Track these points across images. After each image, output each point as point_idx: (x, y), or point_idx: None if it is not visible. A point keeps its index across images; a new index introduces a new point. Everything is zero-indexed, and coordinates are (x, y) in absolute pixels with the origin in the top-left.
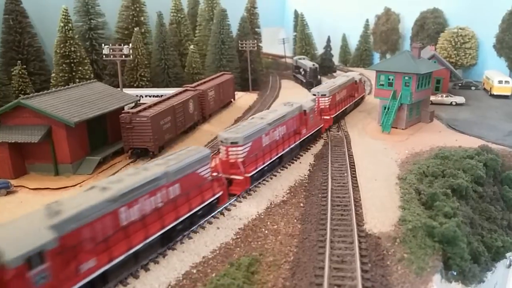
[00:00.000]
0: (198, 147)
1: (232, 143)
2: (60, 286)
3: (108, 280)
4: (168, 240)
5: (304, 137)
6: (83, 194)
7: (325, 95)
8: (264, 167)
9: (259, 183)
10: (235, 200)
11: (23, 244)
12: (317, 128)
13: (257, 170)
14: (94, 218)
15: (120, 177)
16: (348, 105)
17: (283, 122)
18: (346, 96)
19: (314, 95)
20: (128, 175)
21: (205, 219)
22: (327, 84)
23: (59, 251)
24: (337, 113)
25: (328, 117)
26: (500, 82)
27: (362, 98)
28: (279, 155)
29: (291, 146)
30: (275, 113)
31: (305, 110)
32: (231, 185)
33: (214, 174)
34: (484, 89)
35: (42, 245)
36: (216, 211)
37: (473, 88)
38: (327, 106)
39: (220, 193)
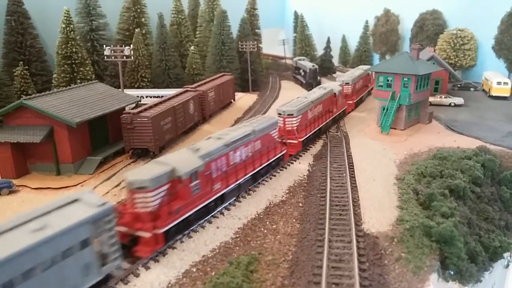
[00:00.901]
0: (270, 116)
1: (288, 114)
2: (203, 197)
3: (224, 201)
4: (254, 180)
5: (334, 115)
6: (206, 141)
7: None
8: (310, 135)
9: (259, 183)
10: (292, 158)
11: (188, 166)
12: (343, 109)
13: (306, 136)
14: (217, 156)
15: (226, 132)
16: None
17: (320, 101)
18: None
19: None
20: (230, 131)
21: (272, 171)
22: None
23: (203, 173)
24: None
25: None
26: (498, 83)
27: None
28: (319, 127)
29: (326, 121)
30: (315, 94)
31: (335, 93)
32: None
33: (280, 138)
34: (483, 90)
35: (197, 167)
36: (281, 166)
37: (472, 89)
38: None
39: (284, 151)
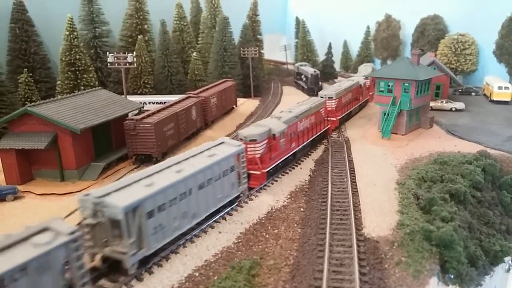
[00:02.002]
0: (319, 98)
1: (329, 97)
2: (286, 151)
3: (295, 157)
4: (312, 146)
5: (360, 103)
6: (280, 113)
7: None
8: (344, 116)
9: (260, 188)
10: (335, 131)
11: (278, 127)
12: (365, 99)
13: (341, 116)
14: (292, 123)
15: (292, 108)
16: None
17: (350, 90)
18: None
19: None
20: (295, 107)
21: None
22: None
23: (286, 134)
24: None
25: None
26: (500, 88)
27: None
28: (350, 110)
29: (354, 107)
30: (346, 84)
31: (360, 84)
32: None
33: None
34: (484, 95)
35: (284, 129)
36: (326, 138)
37: (473, 94)
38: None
39: (328, 126)
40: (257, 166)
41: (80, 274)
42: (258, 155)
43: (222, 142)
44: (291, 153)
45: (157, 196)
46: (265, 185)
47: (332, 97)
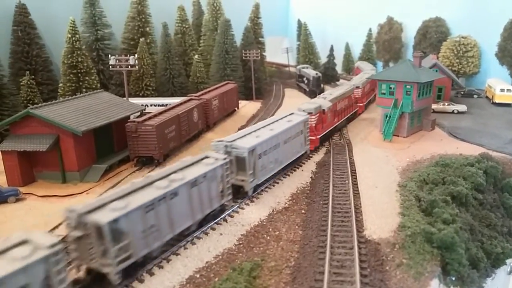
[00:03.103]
0: (350, 84)
1: (356, 87)
2: (331, 124)
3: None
4: (348, 122)
5: (346, 116)
6: (325, 93)
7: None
8: (366, 103)
9: (262, 190)
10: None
11: (326, 104)
12: (354, 111)
13: (365, 102)
14: (333, 102)
15: (332, 91)
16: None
17: (367, 83)
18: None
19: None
20: (334, 91)
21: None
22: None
23: (331, 110)
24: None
25: None
26: (502, 90)
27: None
28: (369, 99)
29: (370, 98)
30: (364, 76)
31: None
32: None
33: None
34: (486, 97)
35: (330, 106)
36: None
37: (475, 96)
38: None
39: (357, 108)
40: (313, 133)
41: None
42: (313, 124)
43: (292, 113)
44: (334, 126)
45: (263, 144)
46: (266, 187)
47: (359, 87)
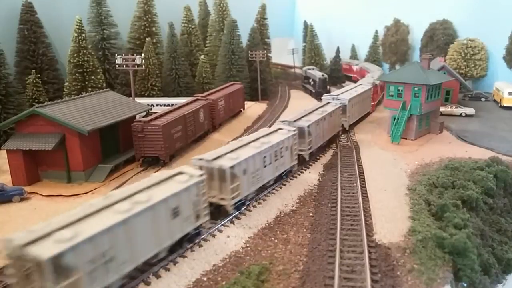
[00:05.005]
0: (370, 83)
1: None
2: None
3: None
4: (366, 115)
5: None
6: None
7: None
8: (375, 104)
9: (269, 192)
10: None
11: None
12: (380, 97)
13: (375, 102)
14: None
15: (346, 87)
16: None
17: (375, 87)
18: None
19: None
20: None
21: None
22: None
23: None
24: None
25: None
26: (510, 93)
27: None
28: (376, 101)
29: (376, 101)
30: (372, 79)
31: (376, 85)
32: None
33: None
34: (494, 100)
35: (378, 83)
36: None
37: (483, 99)
38: None
39: (373, 103)
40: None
41: None
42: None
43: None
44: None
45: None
46: (273, 189)
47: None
